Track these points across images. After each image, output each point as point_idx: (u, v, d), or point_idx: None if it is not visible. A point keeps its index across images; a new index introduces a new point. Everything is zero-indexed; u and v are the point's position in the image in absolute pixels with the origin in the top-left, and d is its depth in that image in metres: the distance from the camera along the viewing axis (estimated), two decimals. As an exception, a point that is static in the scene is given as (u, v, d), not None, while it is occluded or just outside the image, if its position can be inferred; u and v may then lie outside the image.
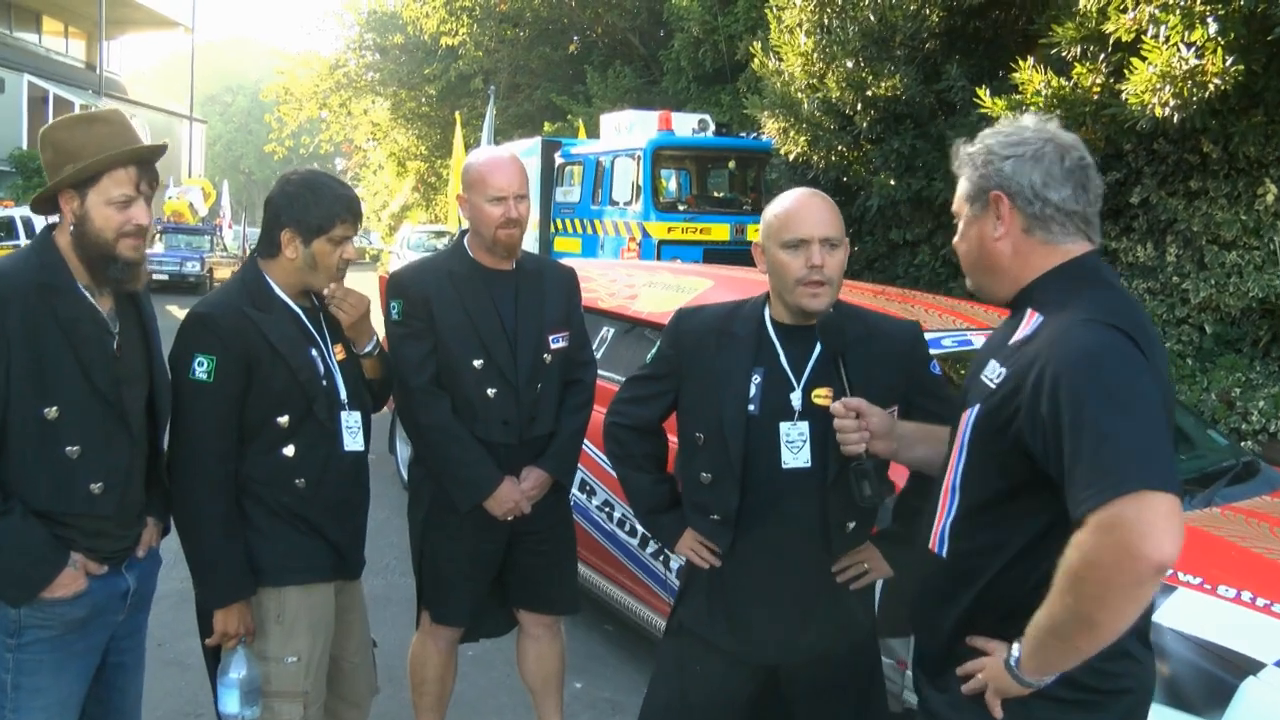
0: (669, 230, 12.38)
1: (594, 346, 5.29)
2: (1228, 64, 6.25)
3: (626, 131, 13.77)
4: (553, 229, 14.62)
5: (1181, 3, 6.42)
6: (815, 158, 10.54)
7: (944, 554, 2.09)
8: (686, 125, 13.50)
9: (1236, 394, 7.95)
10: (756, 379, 2.66)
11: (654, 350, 2.93)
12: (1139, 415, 1.71)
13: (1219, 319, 8.28)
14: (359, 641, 3.25)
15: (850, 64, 9.98)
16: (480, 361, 3.42)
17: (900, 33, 9.88)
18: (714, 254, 12.09)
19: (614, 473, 3.00)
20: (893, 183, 9.98)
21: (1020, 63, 7.37)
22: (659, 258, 11.97)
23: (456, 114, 21.71)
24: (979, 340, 4.21)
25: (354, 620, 3.21)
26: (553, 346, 3.54)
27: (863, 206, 10.79)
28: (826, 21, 10.25)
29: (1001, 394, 1.92)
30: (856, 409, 2.42)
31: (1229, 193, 8.05)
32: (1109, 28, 6.73)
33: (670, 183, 14.09)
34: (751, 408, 2.65)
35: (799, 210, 2.60)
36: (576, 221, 14.00)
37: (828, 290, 2.59)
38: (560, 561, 3.72)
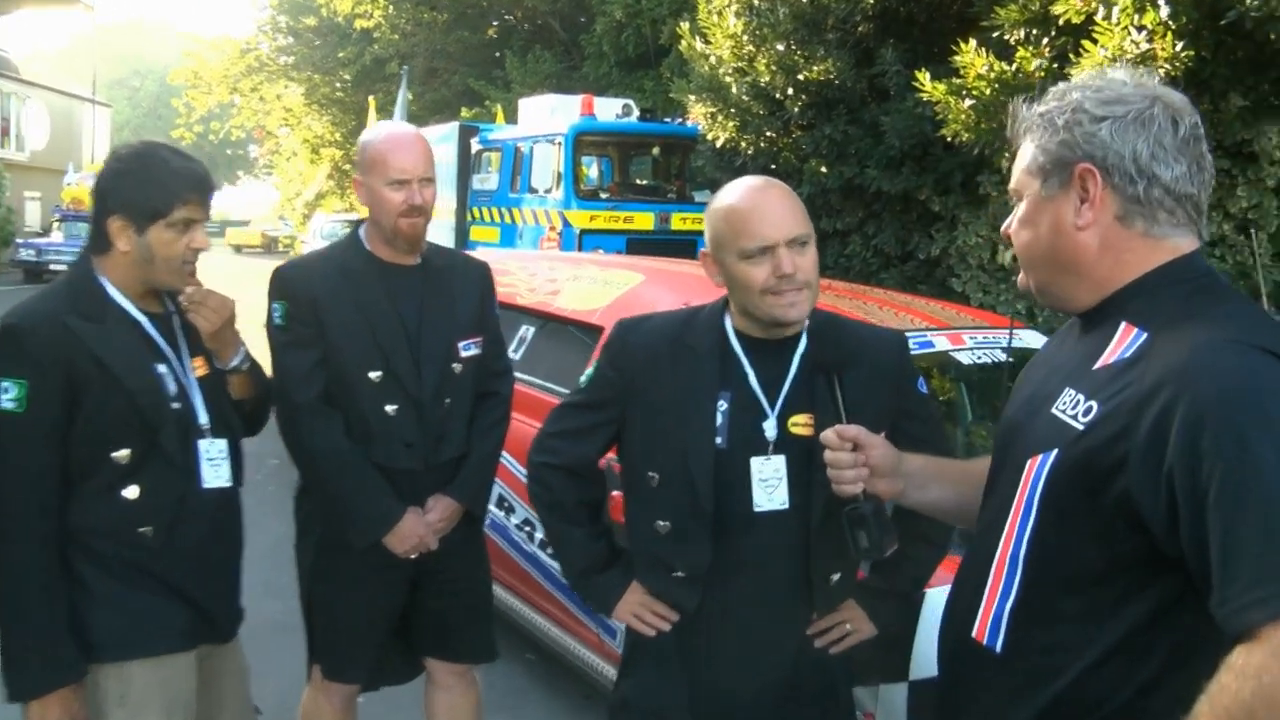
0: (591, 219, 11.91)
1: (513, 348, 4.85)
2: (1178, 49, 5.97)
3: (547, 116, 13.25)
4: (469, 218, 14.07)
5: (1133, -17, 6.09)
6: (744, 144, 10.12)
7: (999, 648, 1.59)
8: (610, 110, 13.05)
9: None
10: (722, 405, 2.22)
11: (590, 372, 2.43)
12: None
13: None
14: (236, 713, 2.72)
15: (781, 47, 9.57)
16: (377, 373, 2.92)
17: (833, 15, 9.48)
18: (638, 243, 11.69)
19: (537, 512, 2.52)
20: (824, 170, 9.60)
21: (962, 45, 7.01)
22: (580, 247, 11.51)
23: (371, 99, 21.05)
24: (942, 342, 3.80)
25: (227, 688, 2.67)
26: (463, 354, 3.05)
27: (792, 195, 10.29)
28: (756, 3, 9.83)
29: (1098, 438, 1.44)
30: (854, 439, 1.93)
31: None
32: (1058, 9, 6.40)
33: (592, 170, 13.68)
34: (718, 440, 2.20)
35: (754, 209, 2.14)
36: (494, 210, 13.48)
37: (806, 294, 2.15)
38: (475, 604, 3.23)
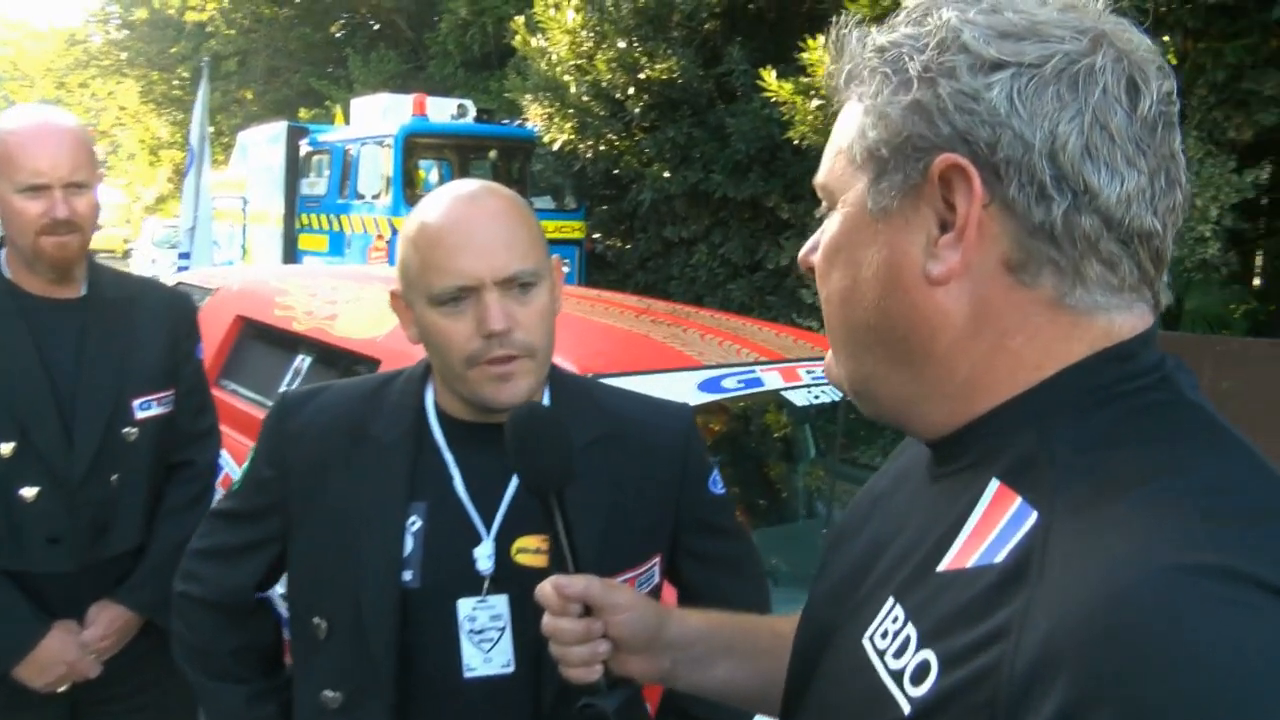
0: (423, 227, 11.13)
1: (289, 380, 4.12)
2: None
3: (378, 117, 12.44)
4: (298, 225, 13.15)
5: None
6: (583, 147, 9.54)
7: None
8: (444, 111, 12.29)
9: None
10: (416, 521, 1.52)
11: (246, 465, 1.71)
12: None
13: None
14: None
15: (622, 44, 9.03)
16: (9, 445, 2.16)
17: (678, 10, 8.99)
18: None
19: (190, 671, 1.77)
20: (667, 175, 9.09)
21: (810, 42, 6.53)
22: (411, 258, 10.72)
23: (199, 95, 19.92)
24: (772, 379, 3.17)
25: None
26: (139, 415, 2.31)
27: (635, 201, 9.83)
28: (596, -4, 9.26)
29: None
30: (582, 598, 1.20)
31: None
32: (910, 3, 5.97)
33: (431, 174, 12.90)
34: (407, 574, 1.51)
35: (453, 231, 1.45)
36: (323, 217, 12.61)
37: (527, 365, 1.47)
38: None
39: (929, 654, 0.77)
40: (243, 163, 14.87)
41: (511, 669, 1.51)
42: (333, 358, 4.06)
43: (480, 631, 1.50)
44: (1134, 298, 0.81)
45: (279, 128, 13.91)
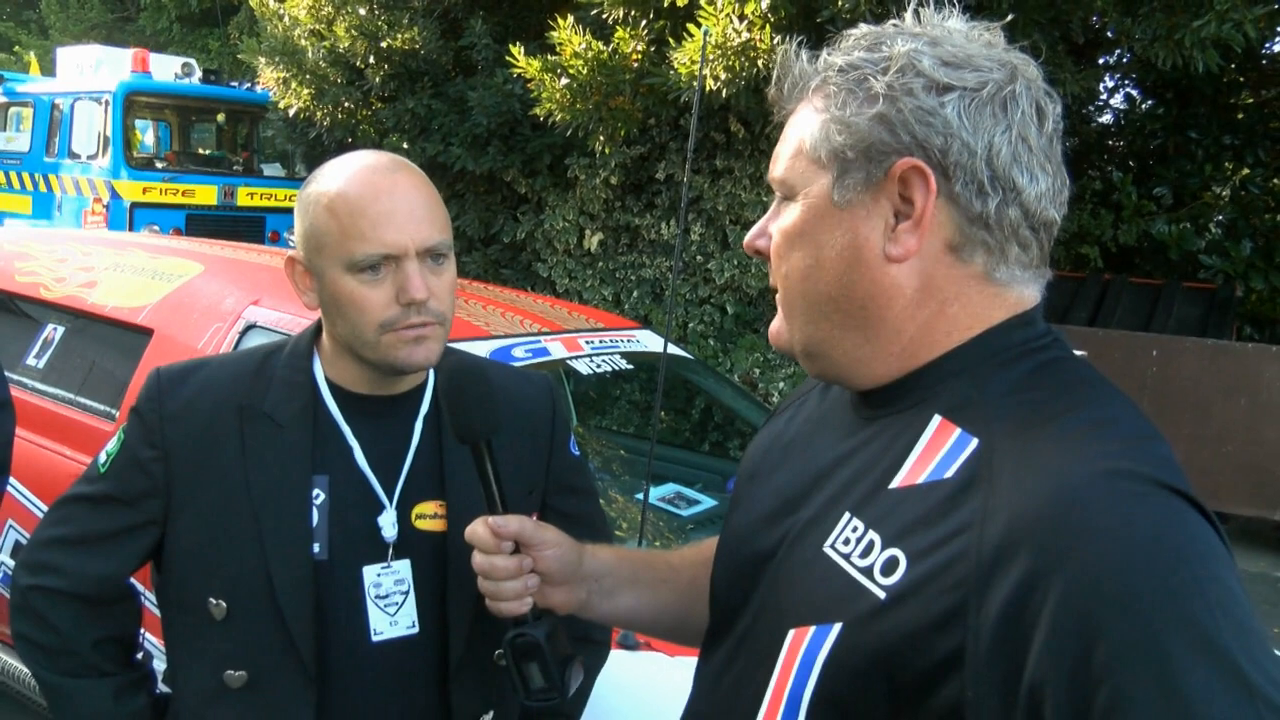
0: (144, 191, 10.65)
1: (36, 352, 3.96)
2: (775, 41, 5.96)
3: (92, 71, 11.72)
4: (-8, 183, 12.23)
5: (737, -28, 6.05)
6: (319, 114, 9.31)
7: None
8: (168, 69, 11.77)
9: (757, 374, 7.94)
10: (319, 495, 1.58)
11: (112, 447, 1.66)
12: (1269, 666, 0.83)
13: (740, 299, 8.23)
14: None
15: (363, 11, 8.87)
16: None
17: (419, -19, 8.92)
18: (199, 220, 10.68)
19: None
20: (405, 146, 9.02)
21: (560, 21, 6.71)
22: (132, 223, 10.25)
23: None
24: (558, 350, 3.36)
25: None
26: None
27: (371, 171, 9.64)
28: (335, -39, 9.07)
29: (910, 616, 0.94)
30: (516, 537, 1.34)
31: (753, 173, 7.95)
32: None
33: (148, 135, 12.29)
34: (316, 546, 1.56)
35: (376, 200, 1.50)
36: (25, 176, 11.75)
37: (438, 333, 1.55)
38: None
39: (896, 551, 0.98)
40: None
41: (416, 630, 1.61)
42: (93, 327, 3.93)
43: (385, 596, 1.59)
44: (1035, 275, 1.08)
45: (-39, 71, 12.87)
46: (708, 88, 6.07)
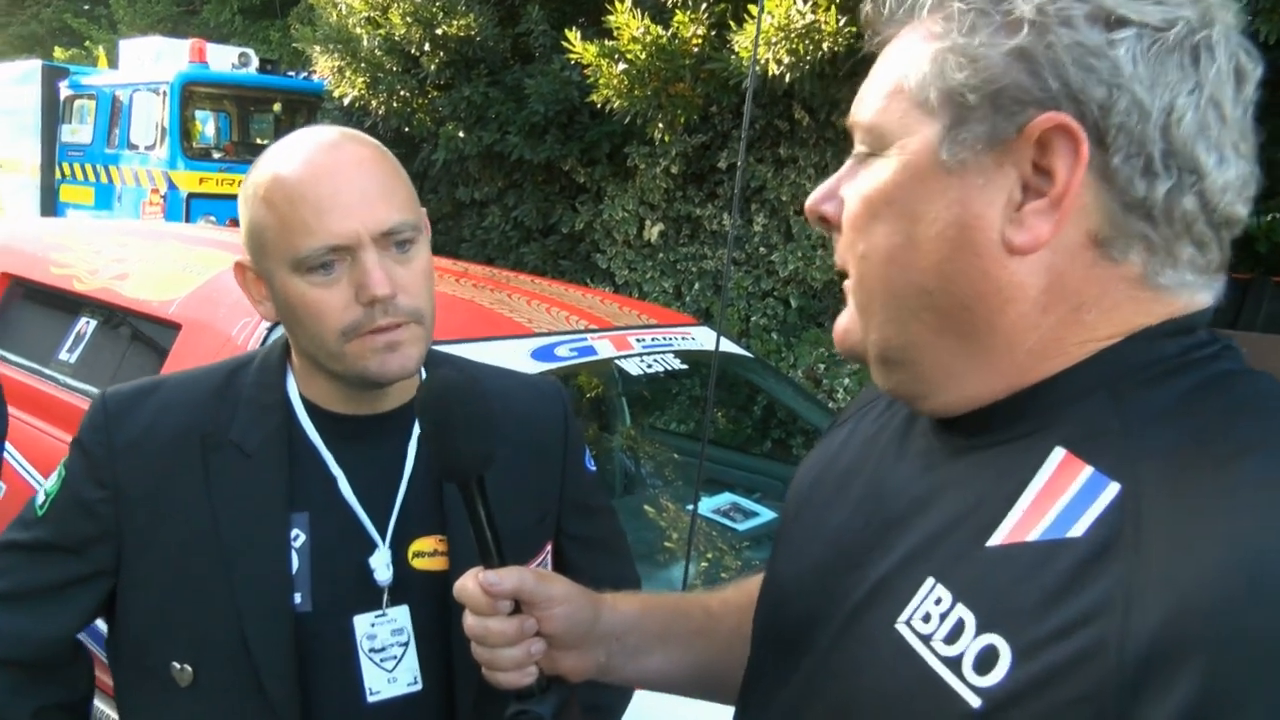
0: (201, 181, 10.60)
1: (70, 346, 3.83)
2: (841, 24, 5.68)
3: (152, 62, 11.71)
4: (58, 175, 12.28)
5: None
6: (375, 103, 9.17)
7: None
8: (225, 59, 11.71)
9: (821, 370, 7.66)
10: (299, 536, 1.33)
11: (52, 484, 1.40)
12: None
13: (804, 292, 7.94)
14: None
15: (418, -2, 8.71)
16: None
17: (474, -34, 8.74)
18: (257, 210, 10.48)
19: None
20: (461, 135, 8.84)
21: (617, 5, 6.48)
22: (188, 214, 10.21)
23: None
24: (606, 348, 3.12)
25: None
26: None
27: (427, 160, 9.51)
28: (389, -54, 8.92)
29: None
30: (514, 595, 1.06)
31: (817, 162, 7.62)
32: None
33: (208, 126, 12.27)
34: (297, 597, 1.32)
35: (316, 183, 1.24)
36: (88, 167, 11.80)
37: (416, 334, 1.30)
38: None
39: (995, 639, 0.71)
40: (-18, 103, 13.79)
41: (419, 686, 1.37)
42: (124, 321, 3.79)
43: (381, 649, 1.35)
44: (1211, 280, 0.78)
45: (30, 66, 12.96)
46: (770, 73, 5.80)
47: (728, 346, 3.63)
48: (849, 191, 0.85)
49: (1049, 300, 0.77)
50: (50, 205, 12.15)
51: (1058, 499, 0.73)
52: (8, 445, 3.05)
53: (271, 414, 1.36)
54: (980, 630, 0.72)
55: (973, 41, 0.75)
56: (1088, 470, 0.73)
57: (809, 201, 0.90)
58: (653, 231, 8.47)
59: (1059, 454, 0.75)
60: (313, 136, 1.31)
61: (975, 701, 0.70)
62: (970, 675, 0.72)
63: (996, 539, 0.75)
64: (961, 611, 0.74)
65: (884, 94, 0.82)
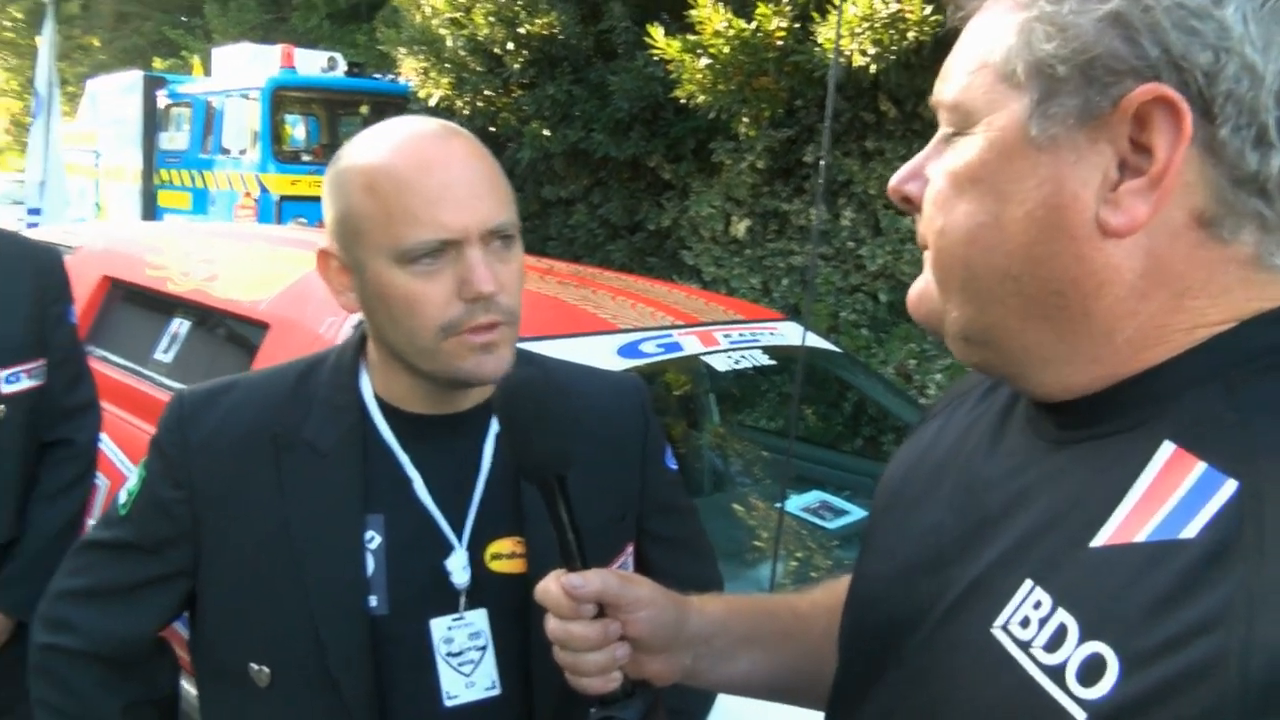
0: (292, 184, 10.80)
1: (164, 347, 3.89)
2: (926, 13, 5.55)
3: (243, 68, 12.00)
4: (157, 181, 12.59)
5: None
6: (459, 103, 9.23)
7: None
8: (314, 64, 11.96)
9: (913, 365, 7.52)
10: (374, 538, 1.31)
11: (133, 483, 1.40)
12: None
13: (894, 286, 7.81)
14: None
15: (500, -3, 8.75)
16: None
17: (556, -35, 8.74)
18: (347, 212, 10.65)
19: None
20: (546, 133, 8.86)
21: (699, 0, 6.40)
22: (279, 216, 10.38)
23: (37, 39, 18.95)
24: (691, 344, 3.06)
25: None
26: (7, 390, 2.10)
27: (512, 159, 9.52)
28: (472, -53, 8.97)
29: None
30: (598, 598, 1.03)
31: (904, 155, 7.47)
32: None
33: (298, 130, 12.49)
34: (373, 600, 1.30)
35: (425, 175, 1.21)
36: (185, 173, 12.12)
37: (508, 335, 1.27)
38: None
39: (1101, 647, 0.65)
40: (93, 114, 14.18)
41: (498, 691, 1.34)
42: (215, 321, 3.85)
43: (459, 653, 1.32)
44: None
45: (133, 77, 13.33)
46: (855, 63, 5.69)
47: (817, 342, 3.55)
48: (934, 170, 0.80)
49: (1148, 285, 0.71)
50: (150, 211, 12.49)
51: (1168, 497, 0.67)
52: (108, 440, 3.10)
53: (345, 414, 1.34)
54: (1084, 638, 0.67)
55: (1061, 9, 0.70)
56: (1200, 466, 0.67)
57: (892, 181, 0.85)
58: (739, 227, 8.39)
59: (1168, 448, 0.69)
60: (413, 126, 1.28)
61: (1080, 715, 0.65)
62: (1074, 687, 0.66)
63: (1100, 539, 0.69)
64: (1063, 617, 0.69)
65: (968, 70, 0.77)
